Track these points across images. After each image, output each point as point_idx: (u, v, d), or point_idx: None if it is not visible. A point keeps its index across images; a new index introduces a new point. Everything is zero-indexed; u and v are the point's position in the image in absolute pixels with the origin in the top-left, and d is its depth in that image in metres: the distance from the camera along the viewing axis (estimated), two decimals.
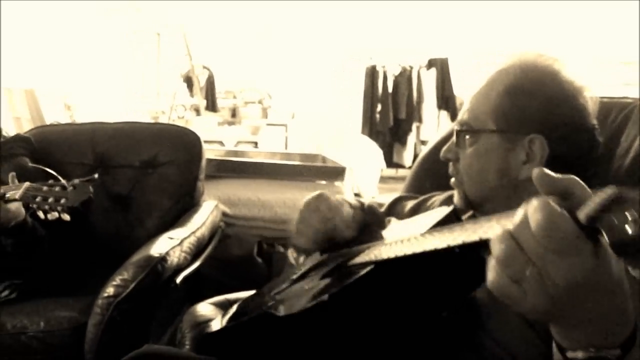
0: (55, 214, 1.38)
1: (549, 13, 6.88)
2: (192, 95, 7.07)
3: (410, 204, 1.28)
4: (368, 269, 0.81)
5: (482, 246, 0.55)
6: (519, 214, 0.52)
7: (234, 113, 7.75)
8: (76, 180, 1.40)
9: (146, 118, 6.87)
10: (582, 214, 0.48)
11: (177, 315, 1.78)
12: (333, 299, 0.81)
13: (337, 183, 2.82)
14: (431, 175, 1.48)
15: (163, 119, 6.58)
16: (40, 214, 1.40)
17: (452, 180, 1.08)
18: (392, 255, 0.76)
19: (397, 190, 1.40)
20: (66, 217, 1.38)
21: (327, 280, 0.91)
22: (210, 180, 2.45)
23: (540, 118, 0.98)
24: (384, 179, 5.33)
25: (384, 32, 7.37)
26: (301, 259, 1.14)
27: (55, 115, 5.76)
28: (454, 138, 1.06)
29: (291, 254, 1.18)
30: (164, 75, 7.61)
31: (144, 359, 1.02)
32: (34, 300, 1.75)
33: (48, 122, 4.83)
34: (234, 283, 1.75)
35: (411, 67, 7.09)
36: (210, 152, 2.56)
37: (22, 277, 1.79)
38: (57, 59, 6.36)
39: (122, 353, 1.04)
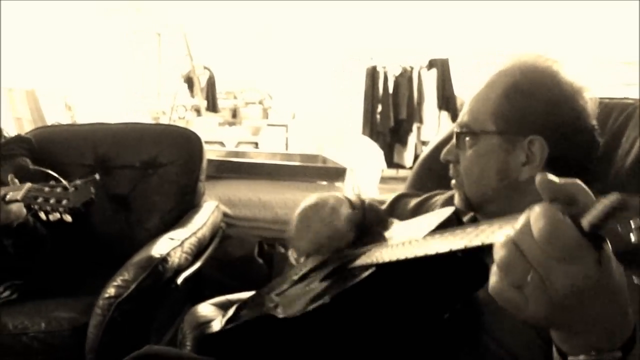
0: (57, 215, 1.38)
1: (549, 13, 6.88)
2: (192, 96, 7.07)
3: (412, 202, 1.28)
4: (369, 271, 0.81)
5: (484, 250, 0.55)
6: (521, 220, 0.52)
7: (234, 113, 7.75)
8: (78, 181, 1.40)
9: (147, 118, 6.87)
10: (586, 221, 0.48)
11: (178, 315, 1.78)
12: (334, 302, 0.81)
13: (337, 183, 2.83)
14: (432, 176, 1.48)
15: (164, 120, 6.58)
16: (42, 215, 1.40)
17: (453, 182, 1.08)
18: (393, 258, 0.76)
19: (397, 191, 1.39)
20: (68, 218, 1.38)
21: (328, 282, 0.91)
22: (211, 181, 2.45)
23: (539, 119, 0.98)
24: (384, 180, 5.32)
25: (384, 32, 7.37)
26: (302, 259, 1.14)
27: (56, 115, 5.76)
28: (454, 140, 1.06)
29: (292, 255, 1.19)
30: (164, 76, 7.61)
31: None
32: (35, 300, 1.75)
33: (49, 123, 4.84)
34: (235, 283, 1.75)
35: (412, 68, 7.08)
36: (211, 153, 2.56)
37: (23, 278, 1.79)
38: (58, 59, 6.36)
39: (123, 354, 1.05)
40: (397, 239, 0.94)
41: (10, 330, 1.64)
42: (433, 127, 7.00)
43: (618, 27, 6.53)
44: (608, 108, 1.22)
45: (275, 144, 6.64)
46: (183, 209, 2.15)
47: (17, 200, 1.44)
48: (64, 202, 1.37)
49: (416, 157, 6.48)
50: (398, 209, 1.29)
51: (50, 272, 1.79)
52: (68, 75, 6.44)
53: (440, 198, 1.23)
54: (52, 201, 1.38)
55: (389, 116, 7.06)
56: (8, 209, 1.49)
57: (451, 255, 0.62)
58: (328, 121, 6.82)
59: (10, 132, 2.21)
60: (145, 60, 7.87)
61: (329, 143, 4.93)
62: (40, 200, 1.40)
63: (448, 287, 0.81)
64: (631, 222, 0.45)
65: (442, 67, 7.07)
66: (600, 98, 1.15)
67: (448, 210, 0.89)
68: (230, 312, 1.09)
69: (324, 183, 2.83)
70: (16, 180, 1.50)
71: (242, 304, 1.12)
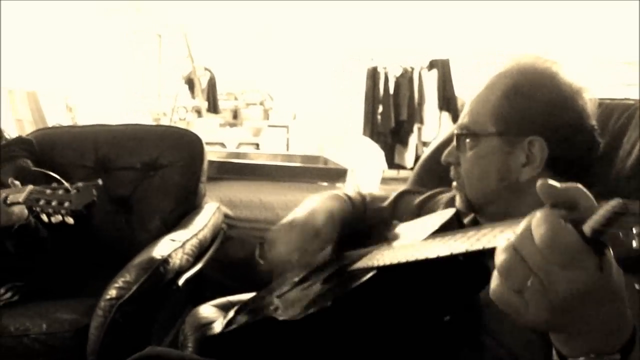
0: (59, 217, 1.38)
1: (549, 13, 6.87)
2: (193, 97, 7.07)
3: (416, 200, 1.28)
4: (371, 274, 0.81)
5: (485, 253, 0.56)
6: (522, 225, 0.52)
7: (235, 115, 7.74)
8: (79, 184, 1.40)
9: (148, 119, 6.87)
10: (587, 227, 0.48)
11: (180, 317, 1.79)
12: (336, 304, 0.81)
13: (338, 184, 2.83)
14: (433, 177, 1.48)
15: (164, 121, 6.58)
16: (44, 217, 1.40)
17: (454, 184, 1.08)
18: (395, 261, 0.77)
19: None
20: (70, 220, 1.38)
21: (329, 285, 0.92)
22: (212, 182, 2.45)
23: (539, 120, 0.98)
24: (385, 180, 5.32)
25: (384, 32, 7.37)
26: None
27: (57, 116, 5.77)
28: (454, 142, 1.06)
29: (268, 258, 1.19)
30: (165, 77, 7.61)
31: None
32: (37, 302, 1.75)
33: (50, 124, 4.84)
34: (236, 285, 1.75)
35: (412, 69, 7.08)
36: (211, 154, 2.57)
37: (25, 279, 1.79)
38: (59, 60, 6.36)
39: (125, 355, 1.05)
40: (399, 240, 0.94)
41: (12, 332, 1.65)
42: (434, 128, 7.00)
43: (618, 27, 6.52)
44: (609, 109, 1.22)
45: (276, 145, 6.64)
46: (184, 210, 2.15)
47: (19, 203, 1.44)
48: (66, 204, 1.38)
49: (417, 158, 6.47)
50: (401, 206, 1.29)
51: (51, 273, 1.79)
52: (69, 76, 6.44)
53: (444, 197, 1.23)
54: (54, 203, 1.39)
55: (389, 117, 7.06)
56: (10, 211, 1.49)
57: (452, 258, 0.62)
58: (329, 122, 6.82)
59: (11, 133, 2.21)
60: (145, 60, 7.87)
61: (330, 144, 4.93)
62: (42, 202, 1.40)
63: (449, 289, 0.82)
64: (633, 228, 0.45)
65: (442, 68, 7.07)
66: (601, 99, 1.15)
67: (449, 212, 0.89)
68: (231, 313, 1.10)
69: (325, 184, 2.83)
70: (17, 183, 1.50)
71: (243, 305, 1.13)
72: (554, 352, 0.57)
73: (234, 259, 2.61)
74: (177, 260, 1.78)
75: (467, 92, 5.75)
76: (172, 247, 1.80)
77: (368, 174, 4.37)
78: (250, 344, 0.98)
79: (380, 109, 7.12)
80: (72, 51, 6.60)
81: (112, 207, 2.16)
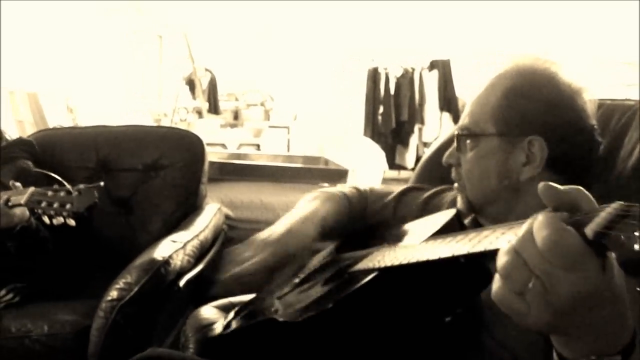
0: (61, 219, 1.38)
1: (549, 13, 6.87)
2: (194, 98, 7.07)
3: (421, 197, 1.28)
4: (372, 275, 0.81)
5: (487, 255, 0.56)
6: (523, 228, 0.52)
7: (236, 115, 7.75)
8: (81, 186, 1.40)
9: (148, 120, 6.88)
10: (590, 230, 0.48)
11: (181, 318, 1.78)
12: (337, 306, 0.81)
13: (339, 185, 2.82)
14: (434, 177, 1.48)
15: (165, 122, 6.59)
16: (46, 219, 1.41)
17: (455, 185, 1.09)
18: (396, 262, 0.77)
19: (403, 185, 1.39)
20: (71, 222, 1.38)
21: (329, 286, 0.92)
22: (212, 183, 2.45)
23: (539, 120, 0.99)
24: (386, 181, 5.32)
25: (385, 33, 7.37)
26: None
27: (58, 118, 5.77)
28: (454, 143, 1.07)
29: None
30: (165, 77, 7.62)
31: None
32: (38, 303, 1.75)
33: (51, 125, 4.85)
34: None
35: (413, 69, 7.08)
36: (212, 155, 2.57)
37: (26, 280, 1.79)
38: (59, 61, 6.36)
39: (126, 356, 1.05)
40: (400, 241, 0.94)
41: (13, 333, 1.64)
42: (435, 129, 6.99)
43: (618, 27, 6.52)
44: (610, 110, 1.22)
45: (277, 145, 6.64)
46: (185, 211, 2.15)
47: (21, 205, 1.45)
48: (68, 206, 1.38)
49: (418, 158, 6.48)
50: (406, 203, 1.29)
51: (52, 274, 1.79)
52: (69, 77, 6.44)
53: (448, 195, 1.23)
54: (55, 205, 1.39)
55: (390, 117, 7.06)
56: (11, 212, 1.49)
57: (454, 260, 0.62)
58: (329, 123, 6.83)
59: (12, 134, 2.21)
60: (146, 61, 7.87)
61: (331, 144, 4.94)
62: (43, 204, 1.40)
63: (450, 291, 0.82)
64: (635, 231, 0.44)
65: (443, 68, 7.07)
66: (602, 99, 1.16)
67: (449, 213, 0.89)
68: (232, 315, 1.10)
69: (326, 185, 2.83)
70: (18, 184, 1.50)
71: (244, 306, 1.13)
72: (554, 353, 0.58)
73: None
74: (178, 261, 1.78)
75: (468, 93, 5.75)
76: (173, 248, 1.80)
77: (369, 175, 4.38)
78: (251, 346, 0.98)
79: (381, 109, 7.12)
80: (72, 52, 6.61)
81: (113, 208, 2.16)
